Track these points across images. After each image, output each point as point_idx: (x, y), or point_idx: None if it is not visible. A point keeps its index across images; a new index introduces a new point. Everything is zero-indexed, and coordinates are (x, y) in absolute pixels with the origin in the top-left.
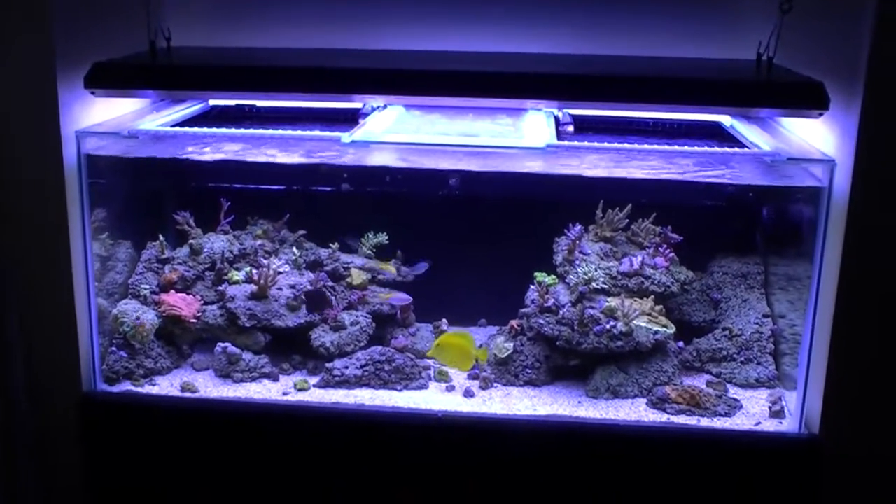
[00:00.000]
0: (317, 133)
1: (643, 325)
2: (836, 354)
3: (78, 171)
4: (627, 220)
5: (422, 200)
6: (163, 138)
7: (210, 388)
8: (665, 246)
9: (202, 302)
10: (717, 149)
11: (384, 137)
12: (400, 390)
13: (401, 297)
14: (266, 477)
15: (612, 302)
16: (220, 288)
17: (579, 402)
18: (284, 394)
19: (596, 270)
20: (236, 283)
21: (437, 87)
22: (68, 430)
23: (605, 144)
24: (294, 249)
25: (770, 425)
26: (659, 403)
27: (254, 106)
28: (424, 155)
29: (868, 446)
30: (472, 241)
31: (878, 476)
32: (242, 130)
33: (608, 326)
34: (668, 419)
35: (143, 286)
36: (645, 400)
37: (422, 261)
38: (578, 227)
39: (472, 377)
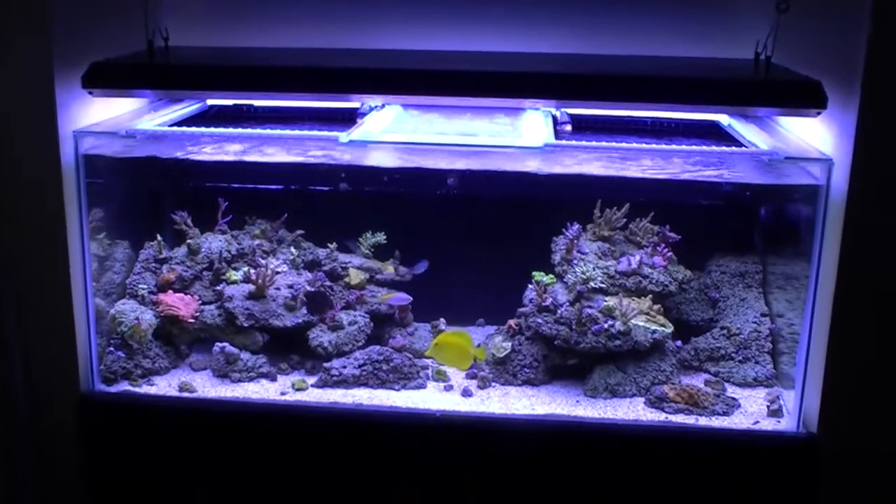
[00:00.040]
0: (315, 133)
1: (641, 324)
2: (833, 353)
3: (75, 170)
4: (625, 220)
5: (420, 200)
6: (160, 138)
7: (208, 387)
8: (663, 245)
9: (200, 302)
10: (714, 148)
11: (382, 137)
12: (398, 390)
13: (401, 297)
14: (264, 477)
15: (610, 301)
16: (218, 288)
17: (577, 402)
18: (282, 393)
19: (594, 270)
20: (234, 282)
21: (435, 87)
22: (66, 430)
23: (603, 144)
24: (292, 249)
25: (768, 424)
26: (657, 402)
27: (251, 106)
28: (422, 154)
29: (866, 445)
30: (470, 241)
31: (875, 474)
32: (240, 130)
33: (606, 326)
34: (667, 418)
35: (140, 286)
36: (643, 399)
37: (422, 260)
38: (576, 226)
39: (471, 377)
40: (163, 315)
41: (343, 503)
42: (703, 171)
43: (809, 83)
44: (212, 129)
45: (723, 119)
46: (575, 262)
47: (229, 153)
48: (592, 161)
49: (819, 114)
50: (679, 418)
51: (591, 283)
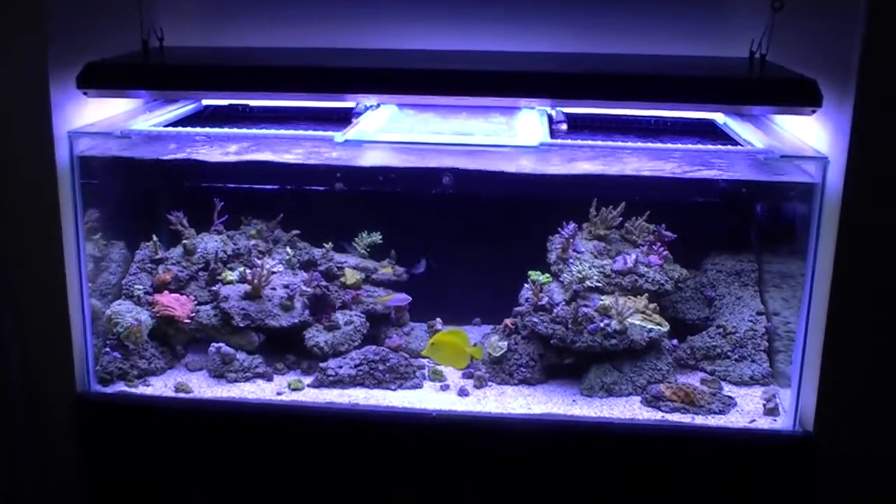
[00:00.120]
0: (310, 132)
1: (637, 323)
2: (829, 352)
3: (70, 171)
4: (621, 218)
5: (415, 199)
6: (155, 138)
7: (204, 388)
8: (659, 244)
9: (196, 302)
10: (710, 146)
11: (377, 136)
12: (394, 389)
13: (400, 298)
14: (261, 477)
15: (606, 300)
16: (214, 288)
17: (574, 401)
18: (279, 394)
19: (590, 269)
20: (230, 283)
21: (431, 86)
22: (63, 430)
23: (599, 143)
24: (288, 249)
25: (764, 423)
26: (653, 401)
27: (247, 105)
28: (418, 154)
29: (862, 443)
30: (466, 240)
31: (872, 473)
32: (235, 130)
33: (602, 325)
34: (663, 417)
35: (136, 287)
36: (639, 398)
37: (421, 259)
38: (572, 225)
39: (467, 376)
40: (159, 315)
41: (340, 503)
42: (699, 169)
43: (804, 81)
44: (207, 130)
45: (718, 118)
46: (571, 261)
47: (225, 153)
48: (588, 160)
49: (814, 112)
50: (675, 417)
51: (587, 282)
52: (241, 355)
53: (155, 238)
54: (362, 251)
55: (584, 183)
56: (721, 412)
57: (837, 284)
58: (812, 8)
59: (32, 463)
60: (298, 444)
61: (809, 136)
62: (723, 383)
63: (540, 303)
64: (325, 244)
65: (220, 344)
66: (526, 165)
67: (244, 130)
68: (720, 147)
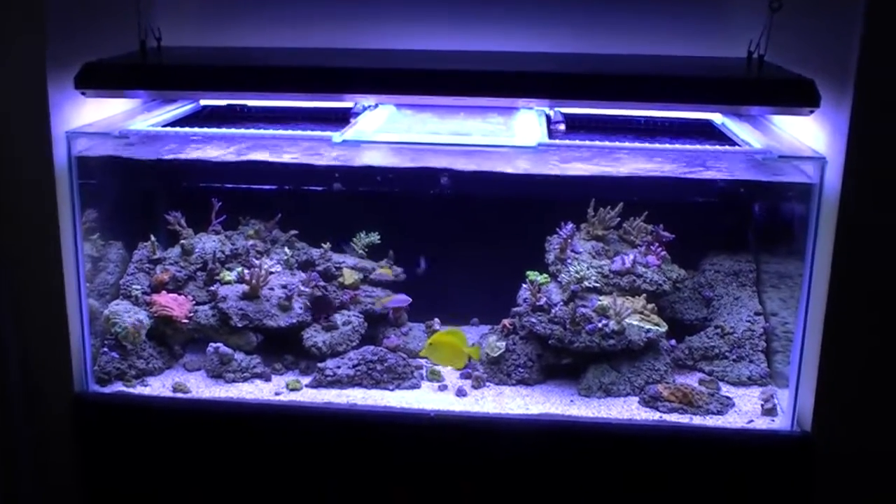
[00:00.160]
0: (308, 132)
1: (635, 323)
2: (827, 352)
3: (68, 171)
4: (619, 219)
5: (413, 200)
6: (153, 138)
7: (202, 388)
8: (657, 244)
9: (194, 302)
10: (708, 147)
11: (375, 137)
12: (392, 390)
13: (400, 299)
14: (259, 477)
15: (604, 300)
16: (212, 288)
17: (571, 401)
18: (276, 394)
19: (588, 269)
20: (228, 283)
21: (428, 86)
22: (60, 430)
23: (597, 143)
24: (286, 249)
25: (762, 423)
26: (651, 402)
27: (245, 106)
28: (416, 154)
29: (860, 443)
30: (464, 240)
31: (870, 473)
32: (233, 130)
33: (600, 325)
34: (661, 417)
35: (134, 287)
36: (637, 398)
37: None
38: (570, 225)
39: (465, 376)
40: (156, 315)
41: (337, 503)
42: (697, 170)
43: (802, 82)
44: (205, 130)
45: (716, 118)
46: (569, 261)
47: (223, 153)
48: (586, 160)
49: (812, 112)
50: (673, 417)
51: (585, 283)
52: (239, 355)
53: (153, 238)
54: (360, 251)
55: (582, 183)
56: (719, 412)
57: (835, 285)
58: (810, 8)
59: (30, 462)
60: (296, 444)
61: (807, 137)
62: (721, 384)
63: (538, 303)
64: (323, 244)
65: (218, 344)
66: (524, 166)
67: (242, 130)
68: (718, 147)
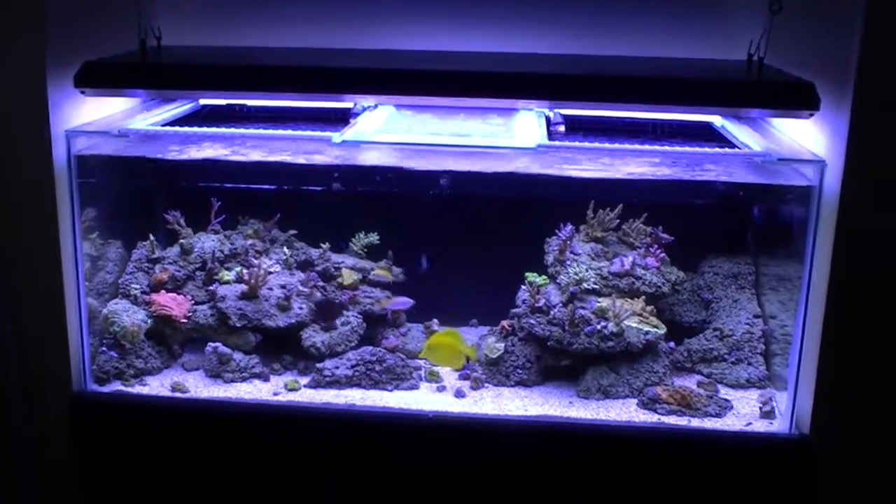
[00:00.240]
0: (308, 133)
1: (634, 325)
2: (826, 355)
3: (68, 170)
4: (618, 221)
5: (413, 200)
6: (153, 138)
7: (200, 388)
8: (656, 246)
9: (193, 302)
10: (707, 149)
11: (375, 137)
12: (391, 390)
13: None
14: (257, 477)
15: (603, 302)
16: (211, 288)
17: (570, 403)
18: (275, 394)
19: (587, 271)
20: (227, 282)
21: (429, 87)
22: (59, 430)
23: (596, 145)
24: (285, 249)
25: (761, 426)
26: (650, 404)
27: (244, 105)
28: (415, 155)
29: (858, 446)
30: (463, 242)
31: (868, 476)
32: (233, 130)
33: (599, 327)
34: (659, 419)
35: (133, 286)
36: (636, 400)
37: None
38: (569, 227)
39: (463, 377)
40: (155, 315)
41: None
42: (696, 172)
43: (802, 84)
44: (204, 129)
45: (716, 120)
46: (568, 263)
47: (222, 153)
48: (585, 162)
49: (812, 115)
50: (672, 420)
51: (584, 284)
52: (237, 355)
53: (152, 237)
54: (359, 251)
55: (582, 185)
56: (717, 415)
57: (834, 287)
58: (810, 11)
59: (29, 461)
60: (295, 444)
61: (807, 140)
62: (719, 386)
63: (537, 304)
64: (322, 244)
65: (217, 344)
66: (523, 167)
67: (241, 130)
68: (718, 150)
